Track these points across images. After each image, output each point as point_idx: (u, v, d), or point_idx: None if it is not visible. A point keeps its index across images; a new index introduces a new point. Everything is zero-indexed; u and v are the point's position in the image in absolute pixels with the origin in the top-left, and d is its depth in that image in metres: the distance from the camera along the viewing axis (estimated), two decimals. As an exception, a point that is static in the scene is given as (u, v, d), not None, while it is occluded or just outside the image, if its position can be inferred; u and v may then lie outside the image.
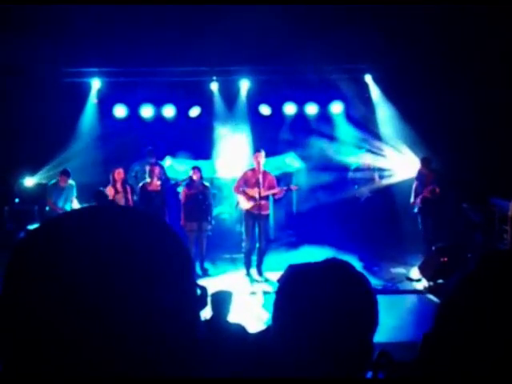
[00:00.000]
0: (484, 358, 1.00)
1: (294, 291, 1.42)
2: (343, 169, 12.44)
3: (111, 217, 0.95)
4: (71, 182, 10.91)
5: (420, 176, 10.83)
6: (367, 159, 12.21)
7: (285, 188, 10.26)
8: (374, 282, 9.75)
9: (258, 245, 10.09)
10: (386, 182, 12.08)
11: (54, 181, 11.01)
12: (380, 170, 11.93)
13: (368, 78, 13.06)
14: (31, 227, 10.97)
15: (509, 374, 0.99)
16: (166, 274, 0.90)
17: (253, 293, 9.30)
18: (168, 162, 12.56)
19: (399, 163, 12.45)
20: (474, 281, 1.12)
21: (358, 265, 10.45)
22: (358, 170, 12.18)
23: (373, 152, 12.50)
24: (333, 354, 1.35)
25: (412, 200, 10.91)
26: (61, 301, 0.84)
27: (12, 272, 0.88)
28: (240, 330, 5.25)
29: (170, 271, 0.92)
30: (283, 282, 1.45)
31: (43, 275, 0.85)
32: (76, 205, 10.77)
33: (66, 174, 10.88)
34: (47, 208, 10.97)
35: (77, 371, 0.84)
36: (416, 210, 10.85)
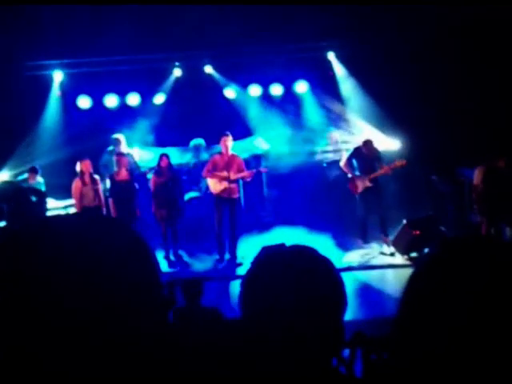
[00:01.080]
0: (445, 343, 1.05)
1: (261, 277, 1.45)
2: (312, 147, 12.48)
3: (72, 223, 0.98)
4: (39, 178, 10.80)
5: (360, 155, 10.48)
6: (334, 136, 12.33)
7: (254, 171, 10.27)
8: (348, 258, 9.84)
9: (230, 229, 10.09)
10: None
11: (23, 178, 10.90)
12: (347, 145, 11.95)
13: (331, 56, 13.04)
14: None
15: (465, 358, 1.03)
16: (127, 276, 0.92)
17: (227, 277, 9.30)
18: (135, 150, 12.40)
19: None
20: (434, 267, 1.15)
21: (331, 242, 10.52)
22: (326, 147, 12.28)
23: (340, 129, 12.57)
24: (303, 337, 1.35)
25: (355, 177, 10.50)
26: (25, 307, 0.85)
27: None
28: (215, 315, 5.29)
29: (132, 274, 0.93)
30: (251, 267, 1.47)
31: (9, 281, 0.86)
32: (51, 203, 10.61)
33: (34, 171, 10.78)
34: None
35: (49, 375, 0.84)
36: (360, 191, 10.36)
